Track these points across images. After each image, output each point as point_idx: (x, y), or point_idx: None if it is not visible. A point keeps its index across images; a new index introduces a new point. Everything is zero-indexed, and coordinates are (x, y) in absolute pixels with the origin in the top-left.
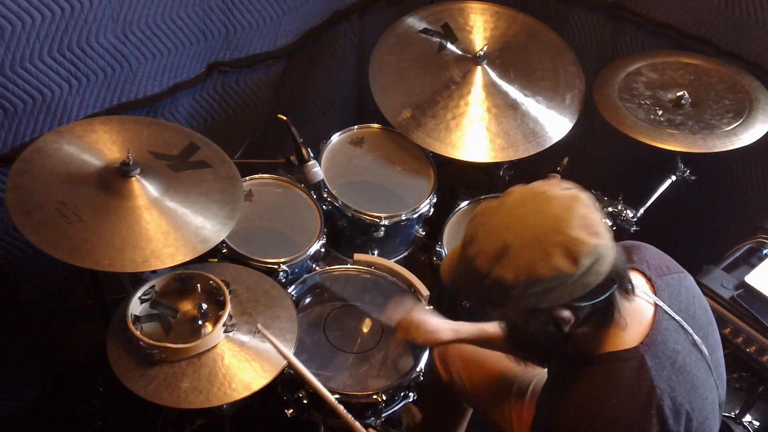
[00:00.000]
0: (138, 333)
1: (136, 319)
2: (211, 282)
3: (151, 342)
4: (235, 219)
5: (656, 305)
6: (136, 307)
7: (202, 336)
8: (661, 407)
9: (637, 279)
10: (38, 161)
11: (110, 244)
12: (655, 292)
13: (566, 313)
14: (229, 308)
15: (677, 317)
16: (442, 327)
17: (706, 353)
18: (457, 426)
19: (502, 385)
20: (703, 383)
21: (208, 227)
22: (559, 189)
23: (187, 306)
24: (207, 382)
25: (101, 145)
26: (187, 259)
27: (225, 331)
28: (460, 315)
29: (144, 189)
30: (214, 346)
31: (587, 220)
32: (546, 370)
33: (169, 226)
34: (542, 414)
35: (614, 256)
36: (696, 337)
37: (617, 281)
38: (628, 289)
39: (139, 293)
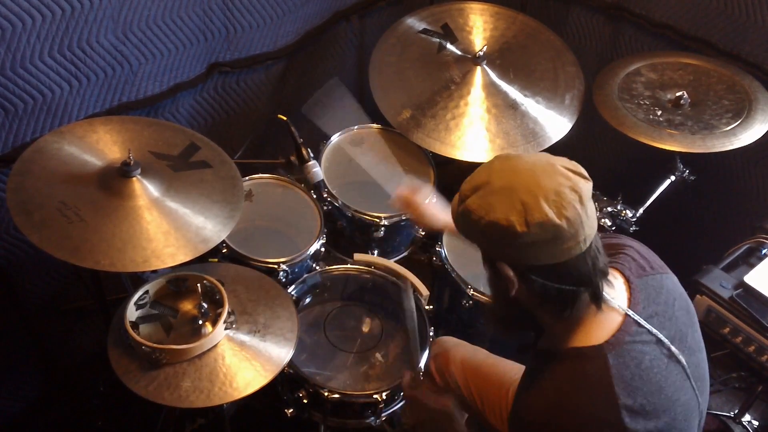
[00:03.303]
0: (139, 338)
1: (135, 325)
2: (205, 282)
3: (154, 345)
4: (236, 219)
5: (626, 313)
6: (132, 313)
7: (203, 335)
8: (617, 406)
9: (615, 277)
10: (39, 161)
11: (111, 244)
12: (631, 292)
13: (510, 273)
14: (227, 305)
15: (646, 324)
16: (438, 216)
17: (680, 357)
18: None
19: (498, 391)
20: (674, 385)
21: (209, 227)
22: (567, 169)
23: (187, 306)
24: (208, 381)
25: (102, 146)
26: (188, 258)
27: (226, 328)
28: (460, 315)
29: (145, 189)
30: (215, 346)
31: (563, 200)
32: None
33: (169, 226)
34: (514, 407)
35: (586, 255)
36: (664, 340)
37: (585, 285)
38: (598, 299)
39: (134, 299)
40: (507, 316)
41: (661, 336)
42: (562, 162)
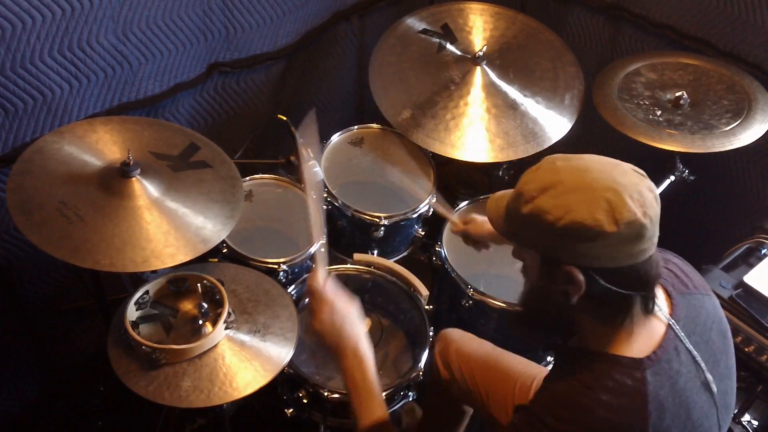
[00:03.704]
0: (139, 338)
1: (135, 325)
2: (205, 282)
3: (154, 345)
4: (236, 219)
5: (669, 324)
6: (132, 313)
7: (203, 335)
8: (646, 424)
9: (657, 292)
10: (39, 161)
11: (111, 244)
12: (672, 308)
13: (580, 277)
14: (227, 305)
15: (687, 343)
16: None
17: (712, 383)
18: (456, 427)
19: (505, 384)
20: (700, 410)
21: (209, 227)
22: (633, 170)
23: (187, 306)
24: (208, 381)
25: (102, 146)
26: (188, 258)
27: (226, 328)
28: (460, 315)
29: (144, 189)
30: (215, 346)
31: (645, 199)
32: (549, 367)
33: (169, 226)
34: (540, 393)
35: (652, 257)
36: (703, 366)
37: (643, 289)
38: (648, 306)
39: (134, 299)
40: (544, 322)
41: (698, 357)
42: (626, 163)
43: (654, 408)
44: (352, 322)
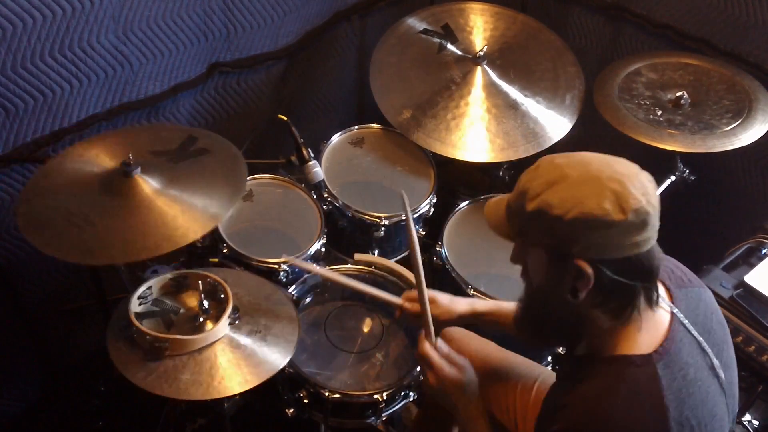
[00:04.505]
0: (144, 328)
1: (138, 316)
2: (208, 279)
3: (158, 335)
4: (241, 194)
5: (673, 315)
6: (135, 306)
7: (204, 332)
8: (666, 418)
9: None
10: (44, 184)
11: (123, 239)
12: (672, 301)
13: (589, 270)
14: (231, 301)
15: (693, 330)
16: (457, 300)
17: (720, 370)
18: (453, 425)
19: (506, 382)
20: (713, 399)
21: (215, 204)
22: (628, 162)
23: (189, 304)
24: (208, 376)
25: (101, 160)
26: (198, 236)
27: (230, 323)
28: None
29: (147, 184)
30: (216, 342)
31: (647, 189)
32: (550, 368)
33: (176, 211)
34: (548, 408)
35: (654, 248)
36: (710, 352)
37: (647, 280)
38: (652, 297)
39: (137, 293)
40: (551, 326)
41: (705, 345)
42: (620, 157)
43: (671, 401)
44: (459, 383)
